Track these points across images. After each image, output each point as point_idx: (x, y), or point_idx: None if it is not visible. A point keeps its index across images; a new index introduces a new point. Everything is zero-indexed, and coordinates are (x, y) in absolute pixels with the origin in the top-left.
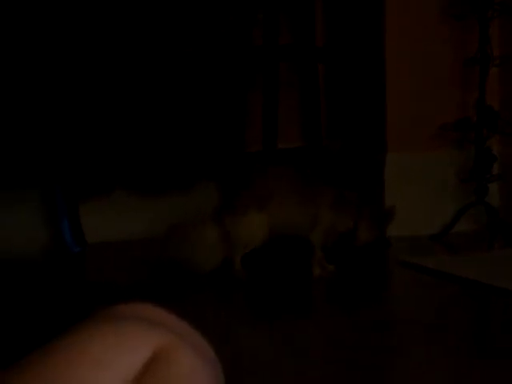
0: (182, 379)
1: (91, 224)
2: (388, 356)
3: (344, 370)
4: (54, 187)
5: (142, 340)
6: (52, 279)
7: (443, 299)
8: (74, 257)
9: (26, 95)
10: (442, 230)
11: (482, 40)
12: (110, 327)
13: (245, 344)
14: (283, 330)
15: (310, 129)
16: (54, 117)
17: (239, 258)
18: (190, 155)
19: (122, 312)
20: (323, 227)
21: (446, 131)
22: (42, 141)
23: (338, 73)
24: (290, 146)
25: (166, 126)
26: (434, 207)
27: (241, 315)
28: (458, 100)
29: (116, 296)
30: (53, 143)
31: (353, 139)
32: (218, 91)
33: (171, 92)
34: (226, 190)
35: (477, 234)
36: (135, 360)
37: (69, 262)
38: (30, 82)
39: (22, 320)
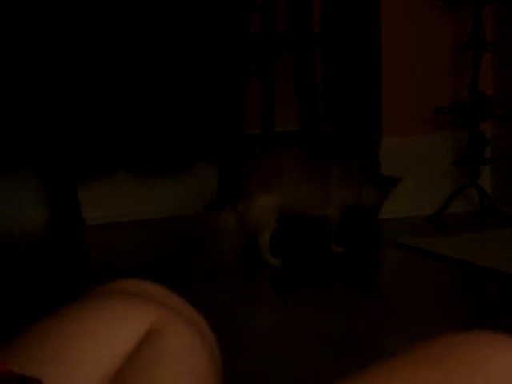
0: (177, 353)
1: (91, 204)
2: (381, 332)
3: (338, 345)
4: (54, 166)
5: (138, 315)
6: (50, 257)
7: (433, 278)
8: (72, 235)
9: (27, 74)
10: (436, 212)
11: (476, 25)
12: (106, 302)
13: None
14: (295, 305)
15: (306, 113)
16: (57, 97)
17: (264, 239)
18: (190, 137)
19: (119, 287)
20: (337, 203)
21: (440, 115)
22: (42, 120)
23: (334, 58)
24: (287, 130)
25: (167, 109)
26: (428, 189)
27: (259, 292)
28: (451, 84)
29: (115, 274)
30: (53, 123)
31: (349, 123)
32: (217, 75)
33: (172, 76)
34: (235, 176)
35: (469, 215)
36: (131, 334)
37: (67, 241)
38: (32, 63)
39: (19, 297)
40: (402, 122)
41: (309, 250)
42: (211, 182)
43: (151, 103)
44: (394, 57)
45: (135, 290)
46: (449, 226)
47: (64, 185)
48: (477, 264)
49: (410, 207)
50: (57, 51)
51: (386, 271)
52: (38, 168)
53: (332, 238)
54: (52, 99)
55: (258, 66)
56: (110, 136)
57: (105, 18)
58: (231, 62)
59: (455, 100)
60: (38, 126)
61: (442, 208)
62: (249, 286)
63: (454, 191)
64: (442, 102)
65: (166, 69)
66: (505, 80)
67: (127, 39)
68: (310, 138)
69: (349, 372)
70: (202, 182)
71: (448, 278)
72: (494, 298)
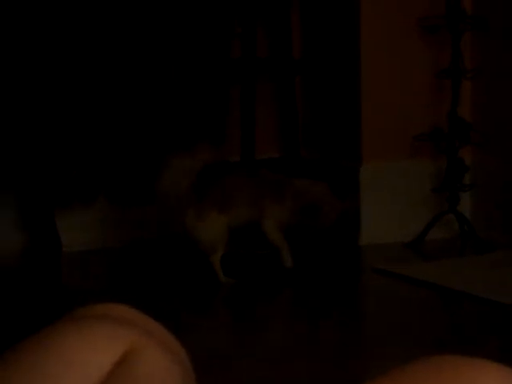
0: (152, 378)
1: (71, 231)
2: (361, 358)
3: (317, 366)
4: (31, 191)
5: (113, 340)
6: (27, 283)
7: (415, 304)
8: (49, 259)
9: (5, 100)
10: (416, 238)
11: (455, 53)
12: (81, 327)
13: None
14: (258, 327)
15: (287, 140)
16: (37, 124)
17: (215, 260)
18: None
19: (94, 312)
20: (272, 220)
21: (420, 142)
22: (21, 146)
23: (314, 84)
24: (267, 157)
25: (148, 140)
26: (408, 216)
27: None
28: (431, 111)
29: (93, 299)
30: (32, 149)
31: (329, 150)
32: (197, 103)
33: (152, 104)
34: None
35: (449, 242)
36: (105, 359)
37: (44, 267)
38: (10, 89)
39: None
40: (382, 148)
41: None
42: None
43: (132, 132)
44: (373, 83)
45: (111, 313)
46: (429, 252)
47: (42, 210)
48: (457, 290)
49: (390, 233)
50: (34, 77)
51: (367, 297)
52: (16, 193)
53: (282, 254)
54: (32, 126)
55: (238, 93)
56: (91, 163)
57: (77, 50)
58: (212, 89)
59: (434, 126)
60: (17, 151)
61: (421, 234)
62: (214, 306)
63: (433, 217)
64: (421, 128)
65: (146, 97)
66: (483, 106)
67: (108, 68)
68: (291, 164)
69: None
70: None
71: (428, 304)
72: (474, 323)
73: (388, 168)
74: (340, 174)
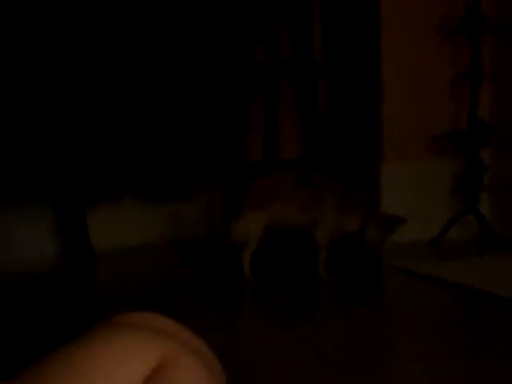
0: None
1: (100, 230)
2: (384, 358)
3: (344, 370)
4: (62, 198)
5: (148, 349)
6: (62, 291)
7: (434, 303)
8: (83, 268)
9: (30, 103)
10: (435, 237)
11: (474, 56)
12: (116, 336)
13: (247, 344)
14: (287, 330)
15: (309, 140)
16: (62, 127)
17: (245, 256)
18: (195, 165)
19: (129, 321)
20: (327, 226)
21: (440, 142)
22: (52, 150)
23: (336, 86)
24: (290, 157)
25: (173, 138)
26: (427, 215)
27: (245, 314)
28: (451, 112)
29: (125, 304)
30: (63, 153)
31: (350, 150)
32: (221, 104)
33: (178, 105)
34: (231, 194)
35: (468, 241)
36: (140, 368)
37: (79, 274)
38: (34, 89)
39: (31, 331)
40: (402, 148)
41: (293, 272)
42: (216, 208)
43: (157, 132)
44: (394, 84)
45: (146, 323)
46: (448, 251)
47: (76, 217)
48: (476, 288)
49: (410, 232)
50: (62, 80)
51: (387, 295)
52: (50, 199)
53: (320, 264)
54: (61, 131)
55: (260, 95)
56: (116, 162)
57: (104, 51)
58: (235, 92)
59: (454, 127)
60: (48, 156)
61: (441, 233)
62: (240, 309)
63: (453, 216)
64: (441, 129)
65: (172, 98)
66: (502, 108)
67: (138, 68)
68: (313, 164)
69: None
70: (207, 206)
71: (447, 302)
72: (492, 322)
73: (408, 168)
74: (361, 174)
